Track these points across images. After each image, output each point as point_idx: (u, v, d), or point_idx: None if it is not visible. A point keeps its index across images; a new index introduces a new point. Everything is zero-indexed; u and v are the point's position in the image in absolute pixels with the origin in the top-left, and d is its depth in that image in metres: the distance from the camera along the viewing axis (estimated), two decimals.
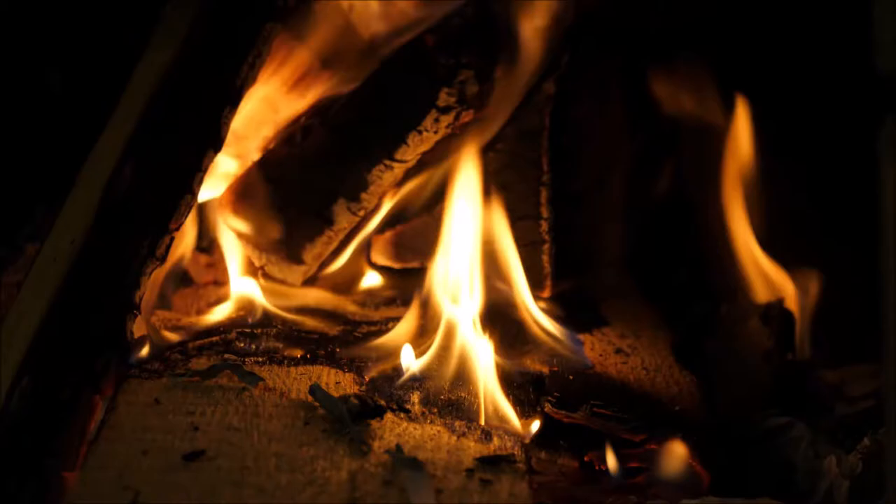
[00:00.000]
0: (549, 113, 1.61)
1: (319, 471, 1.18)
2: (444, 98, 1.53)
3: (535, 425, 1.36)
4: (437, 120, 1.54)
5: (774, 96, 1.66)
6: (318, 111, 1.61)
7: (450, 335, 1.46)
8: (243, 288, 1.61)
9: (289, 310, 1.59)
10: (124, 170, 1.40)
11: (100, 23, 1.60)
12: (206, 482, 1.15)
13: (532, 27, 1.55)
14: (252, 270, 1.65)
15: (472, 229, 1.53)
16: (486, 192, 1.55)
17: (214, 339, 1.50)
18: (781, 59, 1.66)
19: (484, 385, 1.39)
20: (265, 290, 1.61)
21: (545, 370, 1.48)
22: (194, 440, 1.23)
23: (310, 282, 1.66)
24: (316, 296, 1.63)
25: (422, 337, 1.48)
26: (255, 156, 1.63)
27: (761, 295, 1.59)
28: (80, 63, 1.63)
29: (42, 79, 1.65)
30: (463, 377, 1.41)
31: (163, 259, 1.42)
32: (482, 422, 1.35)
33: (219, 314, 1.57)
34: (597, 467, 1.32)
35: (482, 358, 1.42)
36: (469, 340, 1.44)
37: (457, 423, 1.31)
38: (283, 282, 1.65)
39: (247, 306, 1.59)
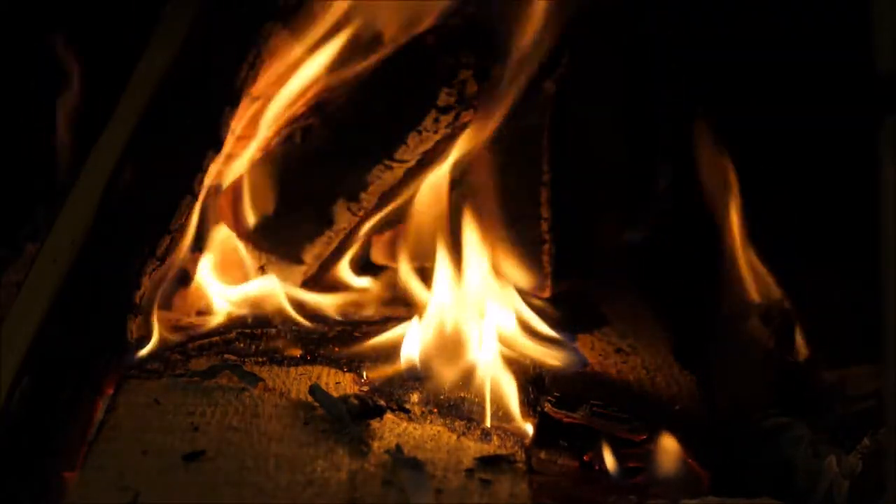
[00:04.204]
0: (549, 113, 1.60)
1: (319, 471, 1.18)
2: (444, 98, 1.53)
3: (530, 427, 1.36)
4: (436, 120, 1.54)
5: (772, 95, 1.66)
6: (318, 111, 1.61)
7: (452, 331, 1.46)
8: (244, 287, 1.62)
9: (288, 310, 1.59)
10: (124, 170, 1.40)
11: (99, 23, 1.60)
12: (206, 482, 1.15)
13: (532, 27, 1.55)
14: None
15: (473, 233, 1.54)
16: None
17: (214, 339, 1.51)
18: (779, 58, 1.66)
19: (489, 384, 1.39)
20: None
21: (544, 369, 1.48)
22: (194, 440, 1.23)
23: (309, 282, 1.66)
24: (316, 296, 1.62)
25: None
26: (256, 156, 1.63)
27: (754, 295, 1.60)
28: (79, 63, 1.63)
29: (42, 79, 1.65)
30: (465, 375, 1.41)
31: (163, 259, 1.42)
32: (488, 422, 1.34)
33: (219, 314, 1.57)
34: (597, 467, 1.32)
35: (485, 355, 1.42)
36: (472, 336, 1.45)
37: (457, 423, 1.31)
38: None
39: (247, 306, 1.59)
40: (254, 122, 1.60)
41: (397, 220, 1.67)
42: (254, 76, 1.47)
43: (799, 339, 1.55)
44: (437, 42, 1.55)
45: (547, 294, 1.66)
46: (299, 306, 1.58)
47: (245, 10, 1.47)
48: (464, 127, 1.57)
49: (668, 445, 1.32)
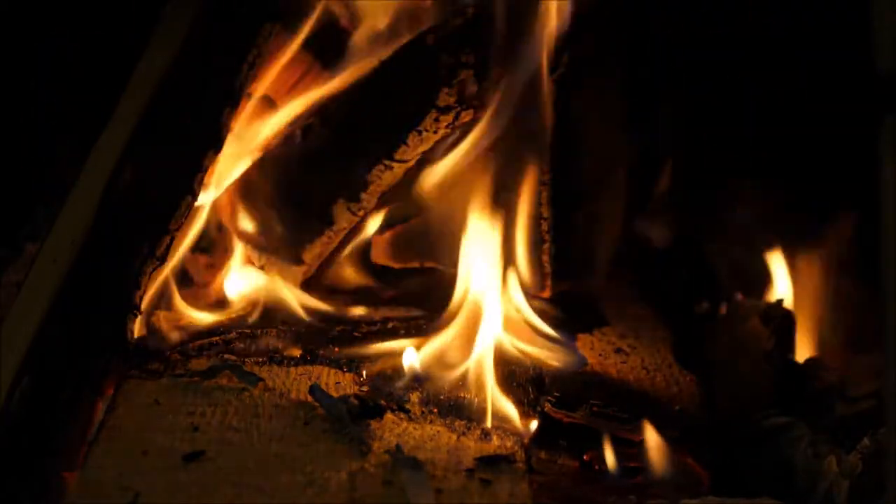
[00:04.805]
0: (549, 113, 1.60)
1: (319, 471, 1.18)
2: (443, 98, 1.53)
3: (534, 425, 1.36)
4: (436, 120, 1.54)
5: (771, 94, 1.66)
6: (318, 111, 1.61)
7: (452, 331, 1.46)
8: (244, 288, 1.62)
9: (288, 310, 1.59)
10: (124, 170, 1.40)
11: (99, 23, 1.60)
12: (206, 482, 1.15)
13: (532, 27, 1.55)
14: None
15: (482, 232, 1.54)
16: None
17: (214, 339, 1.51)
18: (780, 57, 1.67)
19: (488, 384, 1.39)
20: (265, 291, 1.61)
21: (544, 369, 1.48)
22: (194, 440, 1.23)
23: (309, 282, 1.66)
24: (315, 296, 1.62)
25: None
26: (256, 156, 1.63)
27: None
28: (80, 63, 1.63)
29: (43, 79, 1.65)
30: (465, 376, 1.41)
31: (163, 259, 1.42)
32: (488, 422, 1.35)
33: (219, 314, 1.57)
34: (596, 467, 1.32)
35: (485, 355, 1.42)
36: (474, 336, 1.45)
37: (457, 423, 1.31)
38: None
39: (247, 306, 1.59)
40: (254, 122, 1.60)
41: (397, 221, 1.67)
42: (254, 76, 1.47)
43: (799, 339, 1.55)
44: (437, 42, 1.55)
45: (547, 294, 1.66)
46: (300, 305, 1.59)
47: (245, 10, 1.47)
48: (463, 127, 1.57)
49: (653, 440, 1.31)
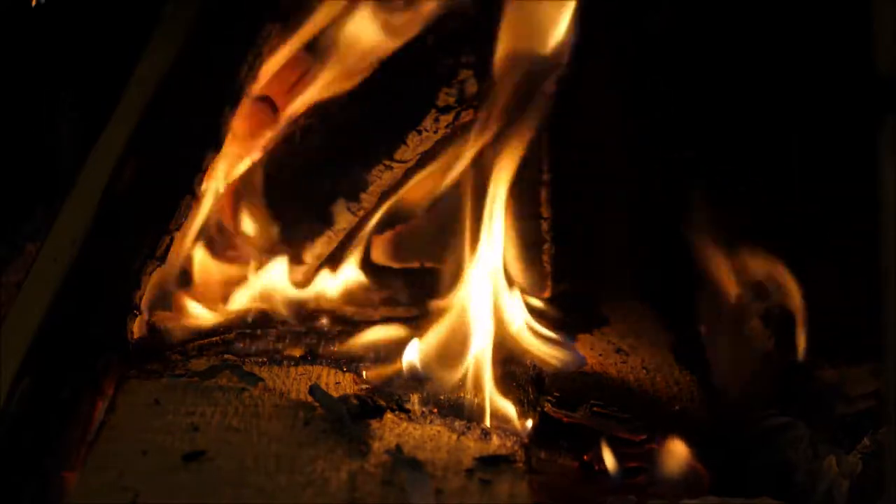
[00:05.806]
0: (549, 113, 1.60)
1: (319, 471, 1.18)
2: (443, 98, 1.53)
3: (530, 423, 1.36)
4: (436, 120, 1.54)
5: (772, 95, 1.66)
6: (318, 111, 1.61)
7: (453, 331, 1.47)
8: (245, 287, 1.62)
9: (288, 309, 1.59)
10: (124, 170, 1.40)
11: (100, 23, 1.60)
12: (206, 482, 1.15)
13: (532, 26, 1.55)
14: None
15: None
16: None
17: (214, 339, 1.51)
18: (780, 58, 1.66)
19: (488, 384, 1.39)
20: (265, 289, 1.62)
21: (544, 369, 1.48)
22: (194, 440, 1.23)
23: (309, 282, 1.66)
24: (316, 296, 1.62)
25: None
26: (256, 156, 1.63)
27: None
28: (80, 63, 1.63)
29: (42, 79, 1.65)
30: (465, 376, 1.41)
31: (163, 259, 1.43)
32: (486, 422, 1.35)
33: (219, 314, 1.57)
34: (596, 467, 1.32)
35: (485, 356, 1.43)
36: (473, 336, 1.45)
37: (457, 423, 1.31)
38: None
39: (247, 306, 1.59)
40: (255, 121, 1.60)
41: (398, 221, 1.67)
42: (254, 76, 1.47)
43: (799, 339, 1.55)
44: (436, 42, 1.55)
45: (547, 294, 1.66)
46: (298, 306, 1.59)
47: (245, 11, 1.47)
48: (463, 127, 1.57)
49: (676, 449, 1.32)
